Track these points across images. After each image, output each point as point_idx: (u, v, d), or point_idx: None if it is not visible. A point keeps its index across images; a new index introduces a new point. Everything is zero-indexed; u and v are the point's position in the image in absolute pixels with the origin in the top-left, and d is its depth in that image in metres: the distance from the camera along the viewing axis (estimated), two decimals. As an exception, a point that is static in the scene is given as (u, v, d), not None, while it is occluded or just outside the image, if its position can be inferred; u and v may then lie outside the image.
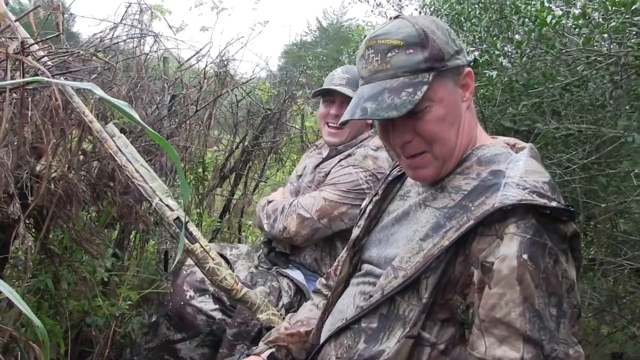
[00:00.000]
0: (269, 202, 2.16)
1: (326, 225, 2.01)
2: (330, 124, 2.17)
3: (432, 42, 1.06)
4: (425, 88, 1.04)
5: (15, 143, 1.42)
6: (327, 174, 2.14)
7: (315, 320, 1.36)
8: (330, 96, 2.18)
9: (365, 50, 1.11)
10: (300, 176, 2.35)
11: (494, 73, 2.16)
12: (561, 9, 2.28)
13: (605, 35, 1.83)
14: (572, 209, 0.97)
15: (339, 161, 2.12)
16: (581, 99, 2.28)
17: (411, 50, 1.06)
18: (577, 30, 1.95)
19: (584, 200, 2.35)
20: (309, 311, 1.47)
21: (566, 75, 2.19)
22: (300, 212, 2.00)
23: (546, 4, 2.10)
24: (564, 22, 1.94)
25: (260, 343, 1.42)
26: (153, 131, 0.79)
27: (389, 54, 1.07)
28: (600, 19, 1.79)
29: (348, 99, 2.08)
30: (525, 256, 0.91)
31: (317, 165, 2.24)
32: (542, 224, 0.94)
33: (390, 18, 1.16)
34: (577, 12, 2.00)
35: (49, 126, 1.54)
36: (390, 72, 1.07)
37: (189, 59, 3.21)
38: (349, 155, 2.11)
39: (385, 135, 1.15)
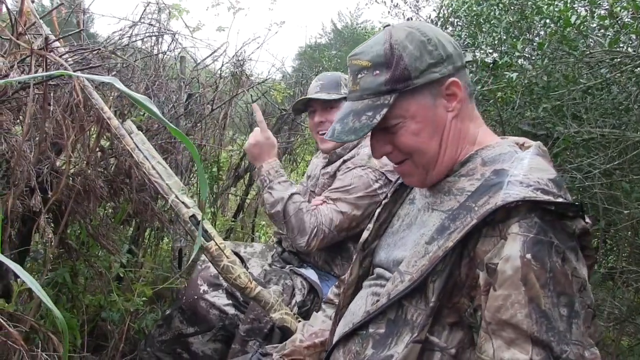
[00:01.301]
0: (291, 196, 2.05)
1: (344, 237, 2.02)
2: (320, 132, 2.17)
3: (397, 61, 1.07)
4: (384, 111, 1.07)
5: (37, 138, 1.42)
6: (332, 176, 2.13)
7: (329, 332, 1.36)
8: (310, 106, 2.21)
9: (348, 68, 1.16)
10: (309, 177, 2.35)
11: (514, 75, 2.14)
12: (586, 9, 2.25)
13: (634, 36, 1.80)
14: (578, 205, 0.95)
15: (344, 162, 2.11)
16: (604, 102, 2.25)
17: (377, 72, 1.08)
18: (601, 31, 1.92)
19: (605, 207, 2.32)
20: (322, 322, 1.46)
21: (589, 77, 2.16)
22: (324, 232, 1.98)
23: (569, 4, 2.08)
24: (588, 22, 1.92)
25: (275, 355, 1.41)
26: (173, 126, 0.79)
27: (359, 75, 1.11)
28: (628, 19, 1.76)
29: (327, 102, 2.11)
30: (529, 255, 0.89)
31: (323, 168, 2.24)
32: (546, 221, 0.92)
33: (384, 27, 1.16)
34: (602, 12, 1.98)
35: (69, 122, 1.55)
36: (358, 94, 1.11)
37: (205, 59, 3.23)
38: (352, 156, 2.11)
39: (371, 146, 1.19)
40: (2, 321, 1.10)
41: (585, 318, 0.91)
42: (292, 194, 2.04)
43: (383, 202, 1.32)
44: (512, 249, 0.91)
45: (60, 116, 1.46)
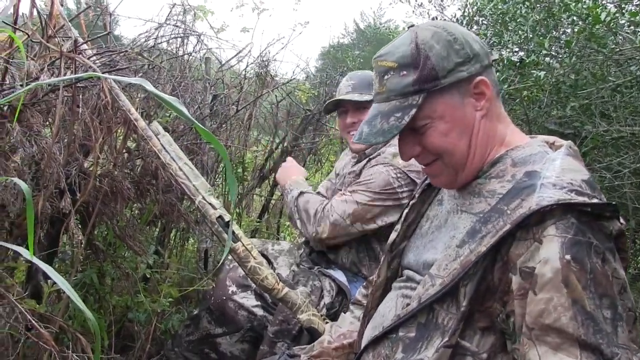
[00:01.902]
0: (301, 193, 2.15)
1: (359, 229, 2.00)
2: (351, 133, 2.17)
3: (424, 61, 1.06)
4: (413, 111, 1.06)
5: (66, 140, 1.44)
6: (357, 175, 2.13)
7: (357, 333, 1.35)
8: (342, 107, 2.20)
9: (373, 70, 1.15)
10: (337, 175, 2.34)
11: (542, 73, 2.10)
12: (615, 5, 2.20)
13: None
14: (615, 205, 0.92)
15: (369, 161, 2.11)
16: (634, 100, 2.20)
17: (404, 72, 1.07)
18: (631, 27, 1.88)
19: (635, 206, 2.27)
20: (350, 324, 1.46)
21: (618, 75, 2.11)
22: (333, 217, 1.99)
23: (599, 1, 2.03)
24: (617, 18, 1.87)
25: (303, 357, 1.41)
26: (203, 127, 0.79)
27: (385, 77, 1.10)
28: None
29: (359, 103, 2.09)
30: (568, 257, 0.87)
31: (351, 167, 2.24)
32: (583, 222, 0.90)
33: (408, 27, 1.15)
34: (632, 8, 1.93)
35: (97, 124, 1.57)
36: (384, 96, 1.11)
37: (230, 59, 3.24)
38: (377, 155, 2.10)
39: (399, 148, 1.18)
40: (33, 322, 1.11)
41: (627, 321, 0.88)
42: (303, 192, 2.11)
43: (410, 202, 1.30)
44: (550, 252, 0.89)
45: (89, 118, 1.48)
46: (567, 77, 2.36)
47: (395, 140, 2.11)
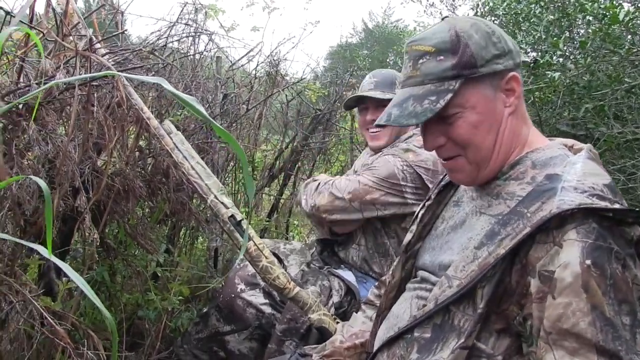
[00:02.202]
0: (314, 180, 2.19)
1: (357, 208, 2.00)
2: (370, 130, 2.17)
3: (464, 48, 1.04)
4: (449, 96, 1.03)
5: (80, 138, 1.45)
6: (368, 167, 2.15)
7: (369, 333, 1.34)
8: (363, 103, 2.20)
9: (404, 55, 1.13)
10: (356, 172, 2.35)
11: (557, 74, 2.08)
12: (633, 4, 2.18)
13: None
14: (637, 211, 0.91)
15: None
16: (649, 102, 2.18)
17: (442, 57, 1.05)
18: (648, 28, 1.86)
19: (649, 209, 2.24)
20: (362, 324, 1.45)
21: (635, 77, 2.09)
22: (332, 191, 2.03)
23: (616, 1, 2.01)
24: (636, 18, 1.85)
25: (315, 356, 1.40)
26: (220, 127, 0.79)
27: (420, 61, 1.08)
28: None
29: (380, 101, 2.08)
30: (588, 262, 0.86)
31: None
32: (604, 227, 0.89)
33: (442, 19, 1.14)
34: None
35: (110, 122, 1.57)
36: (419, 79, 1.08)
37: (241, 58, 3.25)
38: (389, 148, 2.12)
39: (422, 137, 1.16)
40: (49, 318, 1.11)
41: None
42: (315, 178, 2.17)
43: (426, 203, 1.29)
44: (570, 256, 0.88)
45: (102, 117, 1.48)
46: (581, 79, 2.34)
47: (410, 140, 2.13)
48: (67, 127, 1.32)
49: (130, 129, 1.94)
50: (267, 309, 1.98)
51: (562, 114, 2.65)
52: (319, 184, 2.11)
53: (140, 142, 2.10)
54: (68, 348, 1.17)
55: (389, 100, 2.08)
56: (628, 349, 0.84)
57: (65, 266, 0.73)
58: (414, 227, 1.29)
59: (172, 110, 2.37)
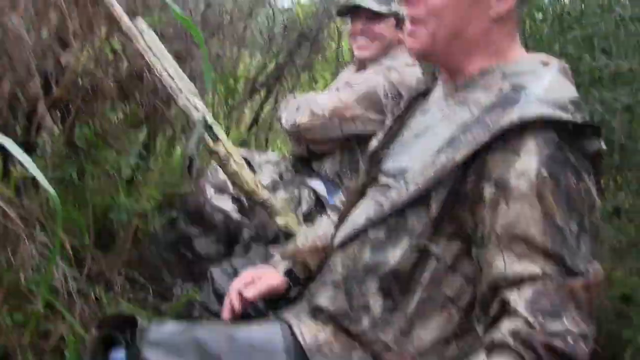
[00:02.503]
0: (295, 98, 2.19)
1: (336, 125, 2.00)
2: (358, 40, 2.12)
3: None
4: None
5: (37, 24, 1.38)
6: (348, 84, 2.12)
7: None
8: (356, 12, 2.14)
9: None
10: (337, 89, 2.32)
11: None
12: None
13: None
14: (597, 125, 0.93)
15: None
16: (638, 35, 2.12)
17: None
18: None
19: (622, 143, 2.25)
20: (326, 227, 1.46)
21: (626, 6, 2.03)
22: (312, 108, 2.02)
23: None
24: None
25: (276, 256, 1.42)
26: (179, 12, 0.76)
27: None
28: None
29: (373, 12, 2.03)
30: (544, 171, 0.88)
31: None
32: (563, 139, 0.90)
33: None
34: None
35: (75, 14, 1.50)
36: None
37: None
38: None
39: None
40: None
41: (591, 236, 0.91)
42: None
43: (396, 113, 1.28)
44: (527, 165, 0.89)
45: (64, 5, 1.41)
46: (573, 10, 2.27)
47: (394, 54, 2.08)
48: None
49: (101, 28, 1.86)
50: (236, 215, 2.01)
51: (551, 46, 2.59)
52: (300, 102, 2.09)
53: (115, 45, 2.03)
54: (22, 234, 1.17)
55: (383, 14, 2.04)
56: (573, 254, 0.87)
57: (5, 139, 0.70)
58: (380, 135, 1.29)
59: (146, 11, 2.27)
